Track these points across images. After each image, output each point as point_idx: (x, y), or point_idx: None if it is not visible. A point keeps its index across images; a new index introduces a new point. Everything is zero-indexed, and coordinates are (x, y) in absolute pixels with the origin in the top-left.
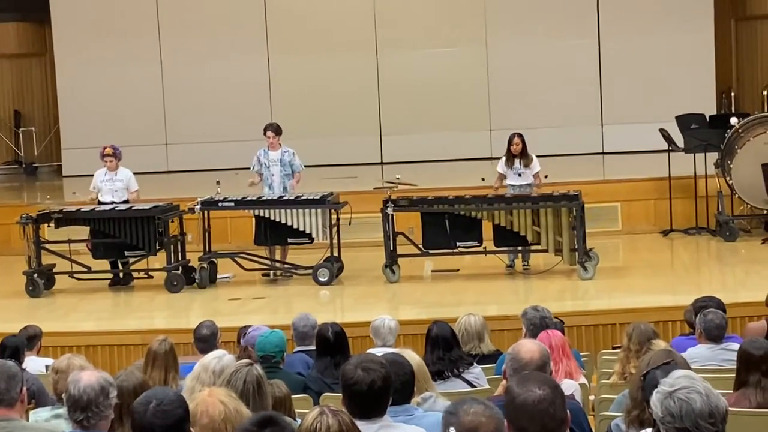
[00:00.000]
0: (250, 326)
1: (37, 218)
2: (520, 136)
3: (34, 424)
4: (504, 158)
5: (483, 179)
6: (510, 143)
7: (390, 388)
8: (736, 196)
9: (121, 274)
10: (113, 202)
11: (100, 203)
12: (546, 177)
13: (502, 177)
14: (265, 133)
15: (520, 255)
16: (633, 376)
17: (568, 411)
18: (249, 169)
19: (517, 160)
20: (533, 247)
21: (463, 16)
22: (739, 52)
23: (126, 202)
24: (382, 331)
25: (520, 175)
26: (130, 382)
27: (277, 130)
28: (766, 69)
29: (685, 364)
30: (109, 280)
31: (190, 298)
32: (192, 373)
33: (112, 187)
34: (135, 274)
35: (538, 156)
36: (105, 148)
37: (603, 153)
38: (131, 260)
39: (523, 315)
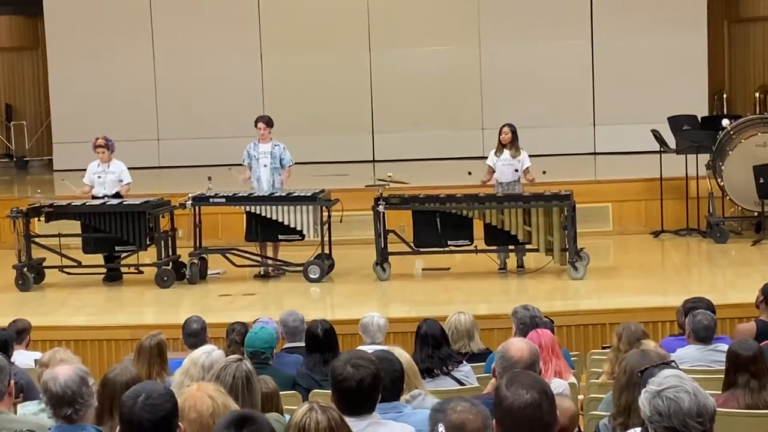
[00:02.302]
0: (238, 322)
1: (28, 212)
2: (510, 125)
3: (21, 417)
4: (493, 150)
5: (470, 173)
6: (500, 133)
7: (379, 385)
8: (727, 197)
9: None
10: (105, 195)
11: (93, 197)
12: (544, 173)
13: (492, 171)
14: (256, 125)
15: (511, 255)
16: (615, 382)
17: (557, 413)
18: (237, 165)
19: (506, 150)
20: (523, 247)
21: (457, 15)
22: (731, 54)
23: (117, 194)
24: (371, 328)
25: (516, 170)
26: (124, 376)
27: (268, 122)
28: (759, 71)
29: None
30: (104, 275)
31: (180, 293)
32: (181, 368)
33: (104, 179)
34: (125, 269)
35: (530, 156)
36: (97, 139)
37: (595, 153)
38: (123, 255)
39: (513, 314)
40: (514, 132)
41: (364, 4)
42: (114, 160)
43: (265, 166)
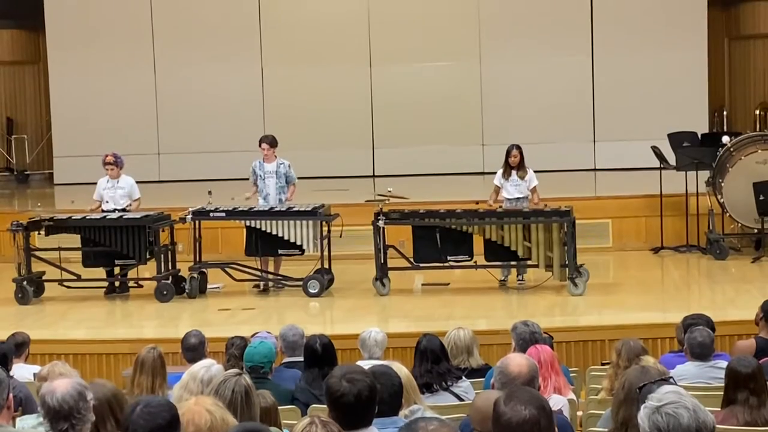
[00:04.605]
0: (237, 336)
1: (28, 226)
2: (518, 148)
3: (20, 430)
4: (501, 170)
5: (477, 203)
6: (508, 155)
7: (376, 397)
8: (727, 214)
9: (117, 283)
10: (115, 210)
11: (103, 212)
12: (545, 206)
13: (498, 190)
14: (260, 145)
15: (513, 270)
16: (614, 398)
17: (556, 429)
18: (241, 181)
19: (514, 172)
20: (523, 263)
21: (457, 31)
22: (732, 71)
23: (126, 210)
24: (368, 343)
25: (519, 187)
26: (101, 393)
27: (272, 142)
28: (759, 88)
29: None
30: (105, 289)
31: (180, 307)
32: (180, 382)
33: (114, 195)
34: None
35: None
36: (106, 156)
37: (595, 169)
38: (128, 268)
39: (513, 329)
40: (522, 154)
41: (365, 19)
42: (123, 175)
43: (272, 184)
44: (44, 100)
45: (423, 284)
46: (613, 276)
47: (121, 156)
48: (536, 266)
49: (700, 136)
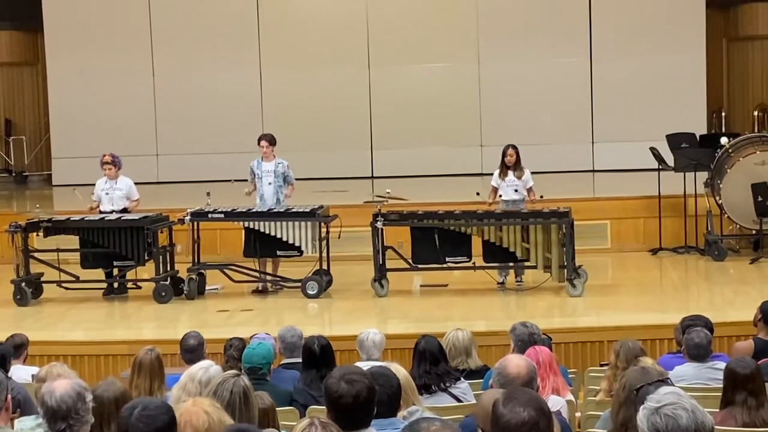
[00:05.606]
0: (235, 338)
1: (26, 227)
2: (514, 147)
3: None
4: (497, 171)
5: (478, 194)
6: (504, 155)
7: (374, 398)
8: (726, 215)
9: (115, 284)
10: (113, 211)
11: (101, 212)
12: (542, 197)
13: (496, 190)
14: (259, 143)
15: (511, 271)
16: (614, 399)
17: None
18: (242, 180)
19: (510, 172)
20: (522, 264)
21: (456, 33)
22: (730, 72)
23: (125, 210)
24: (366, 344)
25: (515, 190)
26: (110, 392)
27: (271, 140)
28: (757, 89)
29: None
30: (103, 290)
31: (178, 309)
32: (178, 383)
33: (112, 196)
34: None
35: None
36: (104, 156)
37: (593, 171)
38: (126, 270)
39: (512, 331)
40: (518, 153)
41: (364, 21)
42: (121, 176)
43: (269, 183)
44: (43, 101)
45: (421, 285)
46: (612, 277)
47: (118, 156)
48: (535, 267)
49: (698, 138)
